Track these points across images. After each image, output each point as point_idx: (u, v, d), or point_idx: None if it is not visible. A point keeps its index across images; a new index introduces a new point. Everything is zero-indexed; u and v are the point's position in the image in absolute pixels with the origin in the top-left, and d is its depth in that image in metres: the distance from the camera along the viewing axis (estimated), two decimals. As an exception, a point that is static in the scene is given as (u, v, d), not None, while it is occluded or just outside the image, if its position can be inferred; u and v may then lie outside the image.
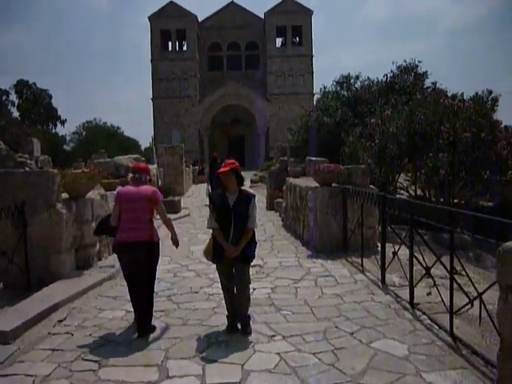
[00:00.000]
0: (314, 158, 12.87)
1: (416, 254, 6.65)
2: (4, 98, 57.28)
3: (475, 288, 4.69)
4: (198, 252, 9.54)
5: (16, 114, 55.09)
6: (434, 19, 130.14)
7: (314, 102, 16.68)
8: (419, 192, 12.09)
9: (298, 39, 59.64)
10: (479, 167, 10.39)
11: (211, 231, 5.29)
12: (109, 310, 6.07)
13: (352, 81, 16.10)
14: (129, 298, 5.71)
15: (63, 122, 59.95)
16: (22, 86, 58.72)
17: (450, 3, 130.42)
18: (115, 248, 5.46)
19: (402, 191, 12.72)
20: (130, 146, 55.03)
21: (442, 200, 11.08)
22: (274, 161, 20.36)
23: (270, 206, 16.28)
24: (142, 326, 5.20)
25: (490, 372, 4.17)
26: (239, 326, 5.23)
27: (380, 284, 6.99)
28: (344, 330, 5.21)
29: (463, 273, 5.92)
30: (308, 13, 57.77)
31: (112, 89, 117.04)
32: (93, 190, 8.11)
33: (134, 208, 5.22)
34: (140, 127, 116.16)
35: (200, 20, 59.35)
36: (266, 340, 4.99)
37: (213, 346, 4.84)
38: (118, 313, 5.97)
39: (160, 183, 18.76)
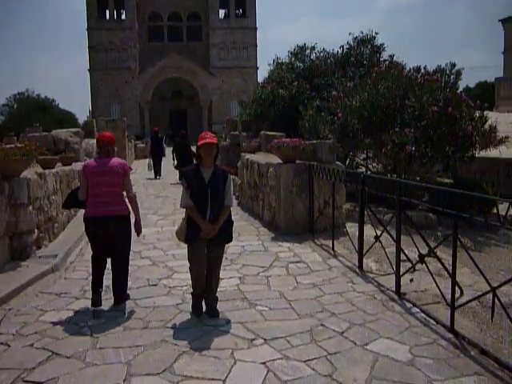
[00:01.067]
0: (270, 133, 12.13)
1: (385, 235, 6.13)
2: None
3: (488, 283, 4.13)
4: (151, 236, 8.71)
5: None
6: None
7: (266, 74, 15.86)
8: (380, 169, 11.64)
9: (241, 11, 58.15)
10: (445, 143, 9.99)
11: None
12: (52, 311, 5.13)
13: (307, 52, 15.40)
14: (75, 294, 5.43)
15: (-8, 94, 56.08)
16: None
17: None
18: (84, 221, 5.22)
19: (362, 167, 12.25)
20: (66, 119, 52.15)
21: (403, 177, 10.66)
22: (222, 135, 19.47)
23: (222, 184, 15.44)
24: (121, 294, 5.28)
25: (509, 377, 3.65)
26: (204, 307, 5.01)
27: (358, 270, 6.40)
28: (332, 329, 4.56)
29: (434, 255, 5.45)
30: (252, -16, 56.25)
31: (46, 59, 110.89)
32: (29, 168, 7.01)
33: (103, 181, 5.06)
34: (76, 100, 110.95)
35: (139, -13, 56.61)
36: (245, 345, 4.26)
37: (184, 356, 4.05)
38: (64, 314, 5.05)
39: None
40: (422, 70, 11.05)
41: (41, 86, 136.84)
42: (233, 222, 5.04)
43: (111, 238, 5.15)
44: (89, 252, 7.55)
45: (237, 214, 10.75)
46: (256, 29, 56.80)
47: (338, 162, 9.04)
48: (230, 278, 6.17)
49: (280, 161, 8.97)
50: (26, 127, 32.24)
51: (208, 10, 56.06)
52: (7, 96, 59.87)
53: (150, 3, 57.34)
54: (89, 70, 54.49)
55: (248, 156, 11.33)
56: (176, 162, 17.08)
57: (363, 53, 14.63)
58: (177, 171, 16.57)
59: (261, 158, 10.80)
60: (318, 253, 7.37)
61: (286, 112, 13.77)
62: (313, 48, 15.37)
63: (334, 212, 8.38)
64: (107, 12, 55.92)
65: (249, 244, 7.93)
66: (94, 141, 16.49)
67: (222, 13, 58.27)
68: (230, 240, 5.08)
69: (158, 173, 19.19)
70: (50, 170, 8.27)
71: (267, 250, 7.61)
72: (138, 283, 6.02)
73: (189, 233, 4.76)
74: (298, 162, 8.77)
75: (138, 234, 5.42)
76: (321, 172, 8.04)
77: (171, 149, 18.05)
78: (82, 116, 71.96)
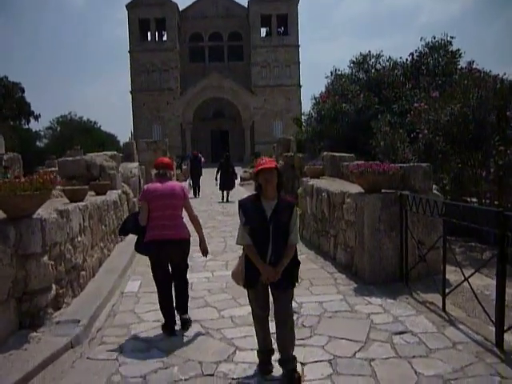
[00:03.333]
0: (337, 154, 10.31)
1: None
2: (-27, 92, 53.24)
3: None
4: (201, 285, 7.01)
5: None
6: (411, 15, 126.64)
7: (324, 88, 14.10)
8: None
9: (283, 29, 56.91)
10: None
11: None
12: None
13: (372, 61, 13.57)
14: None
15: (37, 117, 56.17)
16: (-9, 80, 54.72)
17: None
18: (145, 247, 5.20)
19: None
20: (107, 141, 51.77)
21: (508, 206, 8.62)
22: (273, 156, 17.78)
23: (275, 211, 13.69)
24: (185, 322, 5.21)
25: None
26: (276, 365, 4.13)
27: (497, 351, 4.45)
28: None
29: None
30: (294, 1, 55.00)
31: (91, 83, 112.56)
32: (44, 204, 5.41)
33: (165, 205, 5.11)
34: (119, 122, 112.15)
35: (181, 9, 56.26)
36: None
37: None
38: None
39: (142, 183, 16.03)
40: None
41: (85, 109, 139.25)
42: (299, 263, 4.16)
43: (173, 261, 5.22)
44: (122, 311, 5.95)
45: (300, 252, 8.88)
46: (298, 46, 55.35)
47: (435, 192, 7.14)
48: (316, 362, 4.34)
49: (360, 189, 7.15)
50: (68, 150, 31.52)
51: (249, 29, 55.09)
52: (51, 119, 59.97)
53: (191, 24, 56.90)
54: (131, 92, 54.19)
55: (312, 182, 9.53)
56: (219, 183, 18.76)
57: (437, 60, 12.67)
58: (219, 191, 18.81)
59: (329, 184, 8.99)
60: (425, 315, 5.45)
61: (351, 129, 11.94)
62: (378, 56, 13.54)
63: (433, 255, 6.59)
64: (149, 34, 55.74)
65: (328, 300, 6.07)
66: (133, 165, 15.10)
67: (263, 31, 57.14)
68: (295, 285, 4.17)
69: (197, 192, 20.77)
70: (77, 204, 6.67)
71: (354, 309, 5.74)
72: (188, 370, 4.25)
73: (247, 276, 4.07)
74: (383, 191, 6.92)
75: (204, 254, 5.40)
76: (419, 204, 6.15)
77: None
78: (125, 138, 72.10)
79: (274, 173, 3.95)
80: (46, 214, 5.30)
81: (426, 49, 13.07)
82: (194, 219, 5.31)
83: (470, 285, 5.23)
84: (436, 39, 13.02)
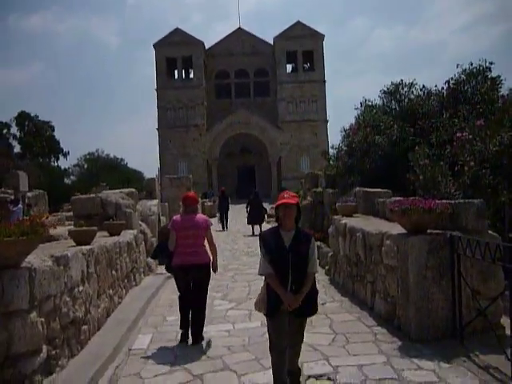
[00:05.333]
0: (371, 190, 9.42)
1: None
2: (5, 131, 54.35)
3: None
4: (220, 340, 6.11)
5: (18, 147, 52.48)
6: (437, 50, 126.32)
7: (354, 119, 13.31)
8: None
9: (309, 64, 56.87)
10: None
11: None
12: None
13: (405, 90, 12.77)
14: None
15: (66, 155, 56.98)
16: (23, 119, 55.79)
17: (452, 34, 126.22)
18: (173, 269, 6.27)
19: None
20: (133, 178, 51.74)
21: None
22: (300, 192, 16.96)
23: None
24: (197, 336, 6.00)
25: None
26: None
27: None
28: None
29: None
30: (319, 37, 55.03)
31: (119, 121, 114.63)
32: (38, 249, 4.66)
33: (190, 234, 6.01)
34: (146, 158, 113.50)
35: (207, 47, 56.87)
36: None
37: None
38: None
39: (165, 220, 15.29)
40: None
41: (112, 146, 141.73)
42: (317, 292, 4.46)
43: (195, 282, 6.08)
44: (126, 375, 5.11)
45: (333, 300, 8.01)
46: (325, 81, 54.95)
47: (491, 232, 6.18)
48: None
49: (401, 229, 6.23)
50: (94, 187, 31.32)
51: (275, 65, 55.19)
52: (79, 157, 60.74)
53: (217, 62, 57.31)
54: (157, 129, 54.43)
55: (345, 220, 8.62)
56: (247, 217, 19.63)
57: (476, 87, 11.79)
58: (247, 226, 19.82)
59: (363, 223, 8.08)
60: (492, 387, 4.46)
61: (384, 163, 11.07)
62: (411, 85, 12.72)
63: (491, 307, 5.61)
64: (175, 72, 56.35)
65: (369, 363, 5.09)
66: (153, 202, 14.44)
67: (289, 67, 57.17)
68: (315, 312, 4.44)
69: (225, 225, 22.21)
70: (80, 249, 5.92)
71: (401, 376, 4.75)
72: None
73: (269, 304, 4.20)
74: (429, 231, 6.00)
75: (215, 271, 6.29)
76: (476, 248, 5.21)
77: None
78: (152, 174, 72.48)
79: (293, 208, 4.20)
80: (37, 261, 4.54)
81: (463, 76, 12.19)
82: (212, 245, 6.27)
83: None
84: (474, 65, 12.17)
